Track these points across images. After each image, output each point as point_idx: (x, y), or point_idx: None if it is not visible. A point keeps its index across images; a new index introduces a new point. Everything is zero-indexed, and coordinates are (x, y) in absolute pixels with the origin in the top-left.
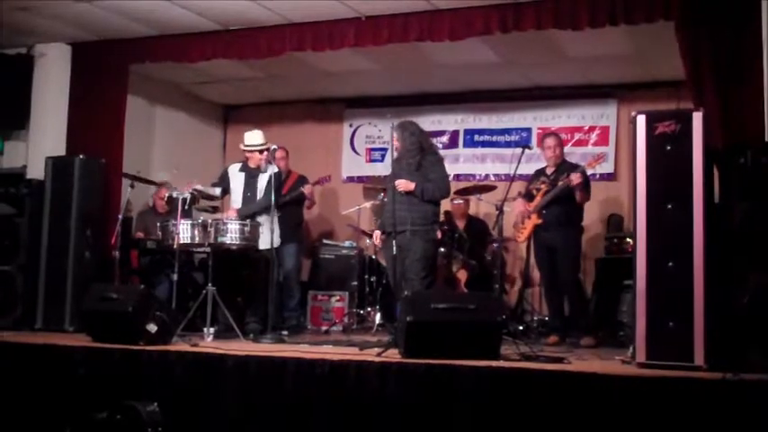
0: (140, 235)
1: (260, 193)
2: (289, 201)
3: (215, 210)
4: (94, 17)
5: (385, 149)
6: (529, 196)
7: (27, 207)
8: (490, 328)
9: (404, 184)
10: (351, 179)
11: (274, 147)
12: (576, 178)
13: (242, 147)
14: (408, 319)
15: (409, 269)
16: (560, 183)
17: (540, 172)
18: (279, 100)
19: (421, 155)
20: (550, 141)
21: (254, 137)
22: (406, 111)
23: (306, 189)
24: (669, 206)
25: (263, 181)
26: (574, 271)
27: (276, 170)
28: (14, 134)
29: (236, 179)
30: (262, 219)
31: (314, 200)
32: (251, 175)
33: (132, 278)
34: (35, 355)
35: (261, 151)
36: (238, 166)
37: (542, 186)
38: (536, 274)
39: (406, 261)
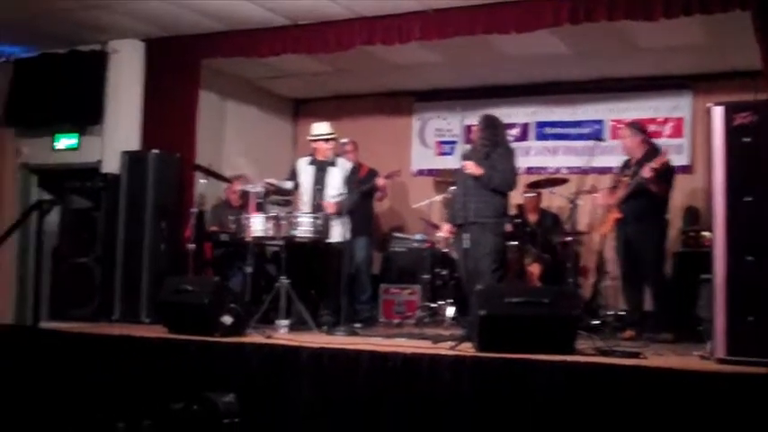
0: (215, 228)
1: (331, 188)
2: (361, 194)
3: (287, 203)
4: (167, 13)
5: (454, 142)
6: (615, 188)
7: (103, 201)
8: (565, 323)
9: (472, 166)
10: (421, 172)
11: (344, 140)
12: (646, 172)
13: (308, 138)
14: (482, 312)
15: (480, 262)
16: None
17: (627, 164)
18: (348, 94)
19: (493, 147)
20: (622, 133)
21: (320, 127)
22: (476, 104)
23: (379, 181)
24: (748, 199)
25: (333, 174)
26: (655, 265)
27: (350, 163)
28: (90, 129)
29: (305, 173)
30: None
31: (386, 192)
32: (320, 168)
33: (206, 270)
34: (113, 347)
35: (327, 140)
36: (307, 159)
37: (625, 179)
38: (611, 268)
39: (477, 254)
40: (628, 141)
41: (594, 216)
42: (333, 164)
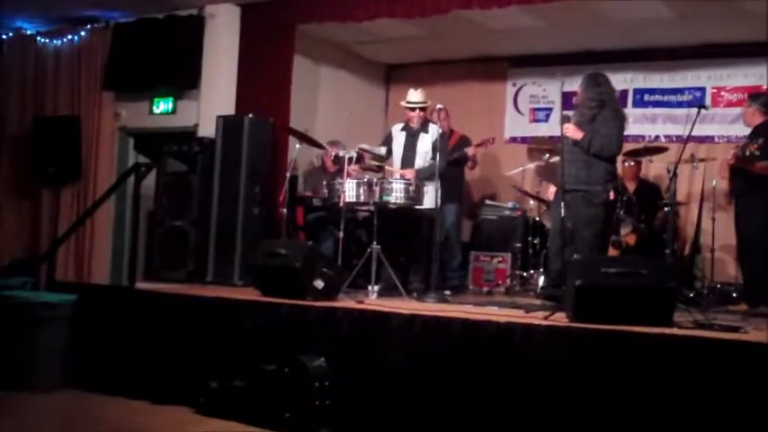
0: (308, 193)
1: (420, 155)
2: (451, 161)
3: (380, 169)
4: None
5: (549, 109)
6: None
7: (199, 164)
8: (663, 294)
9: (571, 129)
10: (513, 140)
11: (439, 106)
12: (753, 147)
13: (402, 103)
14: (577, 282)
15: (576, 232)
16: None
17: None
18: (441, 59)
19: (599, 109)
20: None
21: (416, 95)
22: (572, 69)
23: (469, 150)
24: None
25: (423, 142)
26: (758, 239)
27: (440, 131)
28: (186, 94)
29: (397, 139)
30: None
31: (477, 161)
32: (411, 135)
33: (298, 234)
34: (206, 308)
35: (421, 110)
36: (400, 126)
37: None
38: (708, 240)
39: (574, 223)
40: (745, 112)
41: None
42: (424, 130)
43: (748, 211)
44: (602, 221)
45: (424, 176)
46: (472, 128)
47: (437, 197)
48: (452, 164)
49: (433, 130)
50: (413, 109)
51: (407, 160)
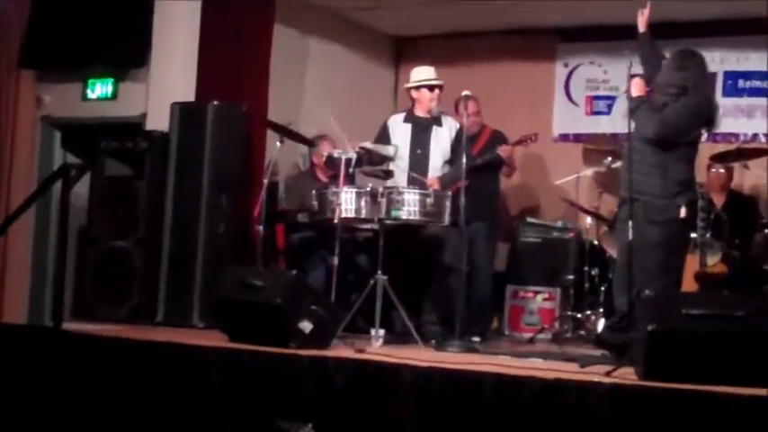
0: (292, 206)
1: (435, 156)
2: (480, 166)
3: (387, 175)
4: None
5: (612, 98)
6: None
7: (147, 167)
8: (764, 344)
9: (639, 84)
10: (564, 137)
11: (466, 93)
12: None
13: (406, 86)
14: (650, 327)
15: (645, 258)
16: None
17: None
18: (466, 30)
19: (676, 97)
20: None
21: (422, 72)
22: None
23: (502, 151)
24: None
25: (439, 136)
26: None
27: (457, 124)
28: (131, 74)
29: (400, 132)
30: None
31: (514, 165)
32: (420, 128)
33: (279, 260)
34: (156, 357)
35: (431, 88)
36: (401, 116)
37: None
38: None
39: (641, 246)
40: None
41: None
42: (437, 122)
43: None
44: (663, 247)
45: (448, 185)
46: (508, 123)
47: (462, 213)
48: (481, 169)
49: (450, 124)
50: (430, 88)
51: (418, 163)
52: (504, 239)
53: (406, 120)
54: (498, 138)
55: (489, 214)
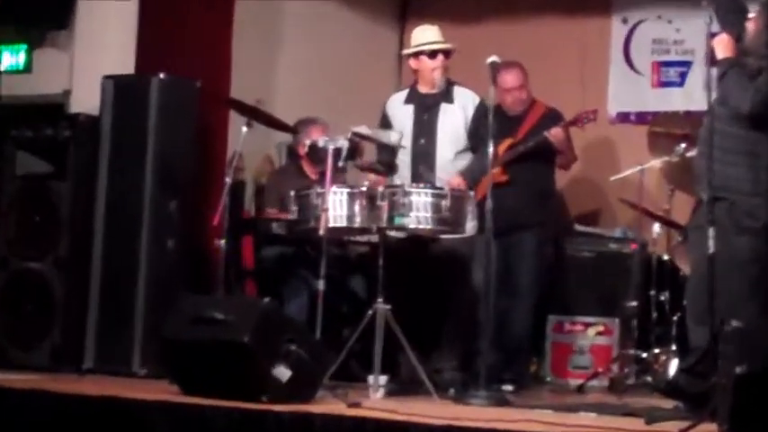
0: (266, 212)
1: (443, 144)
2: (523, 154)
3: (389, 170)
4: None
5: (687, 64)
6: None
7: (71, 161)
8: None
9: (725, 42)
10: (624, 117)
11: (494, 58)
12: None
13: (405, 52)
14: (738, 370)
15: (730, 279)
16: None
17: None
18: None
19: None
20: None
21: (424, 33)
22: None
23: (552, 134)
24: None
25: (448, 116)
26: None
27: (475, 97)
28: (50, 38)
29: (400, 115)
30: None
31: (572, 153)
32: (424, 108)
33: (247, 285)
34: (85, 415)
35: (433, 54)
36: (403, 95)
37: None
38: None
39: (725, 263)
40: None
41: None
42: (447, 98)
43: None
44: (756, 262)
45: (474, 181)
46: (550, 99)
47: (489, 218)
48: (527, 159)
49: (464, 99)
50: (431, 55)
51: (422, 156)
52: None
53: (409, 99)
54: (553, 117)
55: (538, 220)
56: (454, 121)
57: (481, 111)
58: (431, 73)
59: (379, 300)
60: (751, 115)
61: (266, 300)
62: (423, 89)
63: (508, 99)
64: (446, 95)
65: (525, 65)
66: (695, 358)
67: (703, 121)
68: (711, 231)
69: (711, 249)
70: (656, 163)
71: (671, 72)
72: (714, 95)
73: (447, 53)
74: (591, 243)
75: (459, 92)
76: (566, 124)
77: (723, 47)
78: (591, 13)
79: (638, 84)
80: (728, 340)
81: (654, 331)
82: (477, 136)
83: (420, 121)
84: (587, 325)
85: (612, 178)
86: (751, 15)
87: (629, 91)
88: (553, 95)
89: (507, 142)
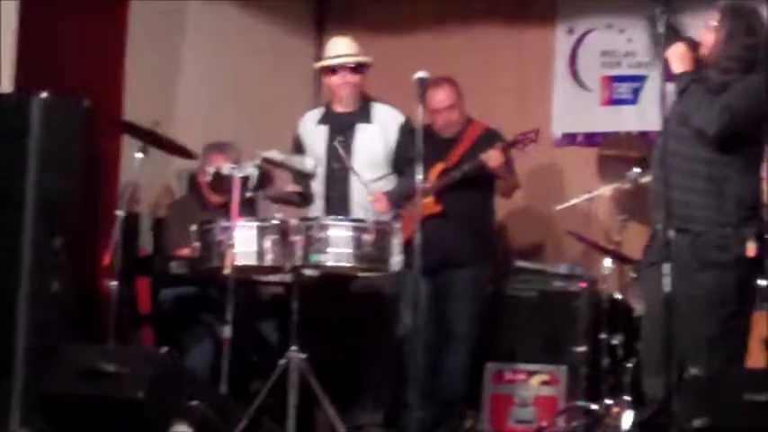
0: (166, 250)
1: (362, 164)
2: (458, 180)
3: (304, 201)
4: None
5: (641, 78)
6: None
7: None
8: None
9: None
10: (571, 139)
11: (420, 74)
12: None
13: (316, 66)
14: (698, 423)
15: (688, 318)
16: None
17: None
18: None
19: (741, 74)
20: None
21: (337, 45)
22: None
23: (488, 157)
24: None
25: (366, 137)
26: None
27: (399, 116)
28: None
29: (313, 138)
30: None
31: (512, 178)
32: (338, 128)
33: (142, 332)
34: None
35: (353, 70)
36: (317, 114)
37: None
38: None
39: (686, 303)
40: None
41: None
42: (364, 116)
43: None
44: (722, 302)
45: (397, 205)
46: (489, 119)
47: (418, 254)
48: (463, 186)
49: (385, 116)
50: (334, 70)
51: (336, 175)
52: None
53: (323, 119)
54: (491, 139)
55: (475, 256)
56: (372, 143)
57: (406, 131)
58: (338, 90)
59: (294, 347)
60: (717, 137)
61: (164, 349)
62: (338, 108)
63: (439, 120)
64: (363, 114)
65: (459, 80)
66: (651, 411)
67: (659, 143)
68: (667, 268)
69: (667, 288)
70: (606, 190)
71: (623, 88)
72: (671, 113)
73: (357, 68)
74: (534, 281)
75: (379, 110)
76: (504, 146)
77: (680, 59)
78: (532, 22)
79: (587, 101)
80: (688, 391)
81: (605, 380)
82: (403, 160)
83: (331, 140)
84: (530, 373)
85: (558, 208)
86: (712, 24)
87: (576, 109)
88: (491, 115)
89: (439, 168)
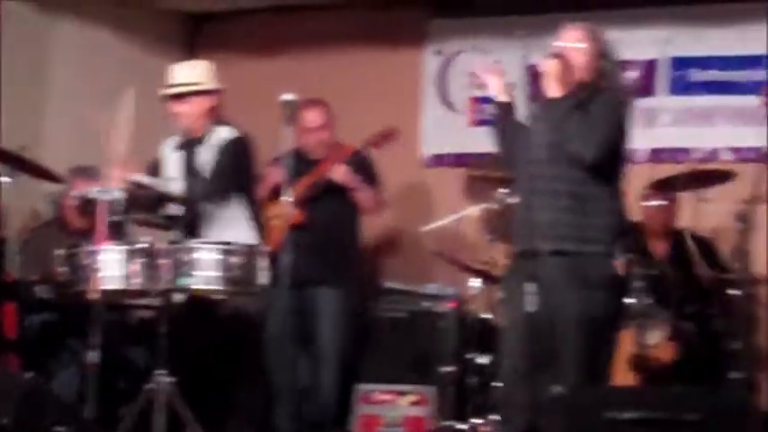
0: (28, 274)
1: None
2: (318, 192)
3: (171, 224)
4: None
5: None
6: None
7: None
8: None
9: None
10: (439, 159)
11: (288, 96)
12: None
13: (161, 93)
14: None
15: (559, 339)
16: None
17: None
18: (292, 3)
19: (594, 91)
20: None
21: (180, 71)
22: (551, 23)
23: (333, 171)
24: None
25: (203, 158)
26: None
27: (225, 136)
28: None
29: (170, 163)
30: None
31: (377, 195)
32: (187, 152)
33: (9, 358)
34: None
35: (186, 96)
36: (175, 140)
37: None
38: None
39: (555, 322)
40: None
41: None
42: (205, 140)
43: None
44: (590, 321)
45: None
46: (357, 140)
47: (285, 274)
48: (328, 204)
49: (221, 136)
50: (185, 96)
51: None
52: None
53: (179, 144)
54: (360, 161)
55: (341, 275)
56: (206, 165)
57: (228, 147)
58: (191, 119)
59: (161, 371)
60: (595, 163)
61: (29, 375)
62: (187, 133)
63: (310, 140)
64: (205, 138)
65: (330, 102)
66: (518, 425)
67: (523, 164)
68: (532, 287)
69: (532, 307)
70: (474, 211)
71: (489, 110)
72: (535, 135)
73: (187, 96)
74: (402, 301)
75: (219, 131)
76: (345, 159)
77: (552, 80)
78: (402, 44)
79: (455, 122)
80: (553, 407)
81: (473, 399)
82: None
83: (182, 167)
84: (399, 394)
85: (426, 228)
86: (579, 45)
87: (444, 130)
88: (361, 136)
89: (305, 181)
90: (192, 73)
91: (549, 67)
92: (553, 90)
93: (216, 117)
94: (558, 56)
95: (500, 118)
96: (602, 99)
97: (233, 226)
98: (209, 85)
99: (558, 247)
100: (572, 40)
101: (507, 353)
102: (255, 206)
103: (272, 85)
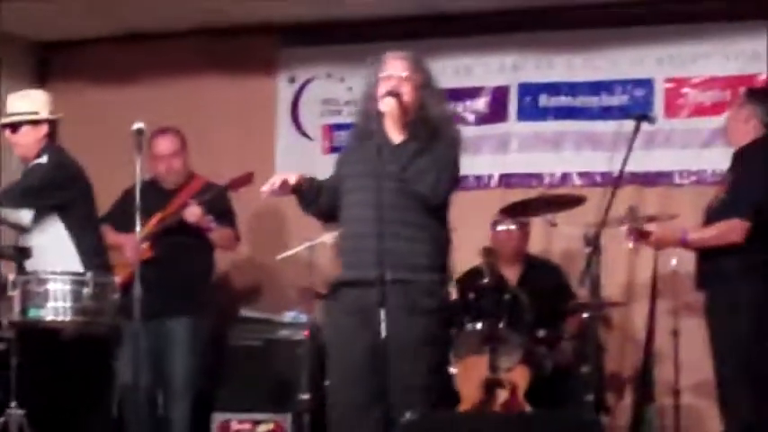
0: None
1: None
2: (170, 228)
3: (22, 255)
4: None
5: None
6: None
7: None
8: None
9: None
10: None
11: (139, 125)
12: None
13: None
14: None
15: (402, 366)
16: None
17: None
18: (145, 31)
19: (434, 131)
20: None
21: (16, 101)
22: (403, 49)
23: (187, 213)
24: None
25: None
26: (738, 360)
27: (42, 159)
28: None
29: None
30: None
31: (233, 231)
32: None
33: None
34: None
35: (17, 127)
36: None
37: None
38: (668, 373)
39: (398, 349)
40: (733, 122)
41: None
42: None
43: (719, 310)
44: (440, 343)
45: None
46: (210, 168)
47: (136, 306)
48: (180, 236)
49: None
50: (14, 126)
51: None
52: (210, 342)
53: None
54: (212, 192)
55: (192, 305)
56: None
57: (28, 169)
58: (25, 148)
59: (13, 404)
60: (437, 206)
61: None
62: (25, 161)
63: (162, 168)
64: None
65: (185, 131)
66: None
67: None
68: (382, 314)
69: (381, 334)
70: (327, 238)
71: (343, 136)
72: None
73: (16, 126)
74: (258, 330)
75: (39, 159)
76: (203, 200)
77: (391, 119)
78: (254, 71)
79: (308, 149)
80: None
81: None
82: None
83: None
84: (256, 423)
85: (279, 257)
86: (403, 74)
87: (298, 158)
88: (214, 165)
89: (157, 216)
90: (23, 103)
91: (387, 106)
92: (393, 133)
93: (49, 146)
94: (394, 94)
95: (311, 197)
96: (443, 140)
97: (53, 252)
98: (43, 114)
99: (399, 276)
100: (398, 70)
101: (341, 385)
102: (89, 234)
103: (125, 114)
